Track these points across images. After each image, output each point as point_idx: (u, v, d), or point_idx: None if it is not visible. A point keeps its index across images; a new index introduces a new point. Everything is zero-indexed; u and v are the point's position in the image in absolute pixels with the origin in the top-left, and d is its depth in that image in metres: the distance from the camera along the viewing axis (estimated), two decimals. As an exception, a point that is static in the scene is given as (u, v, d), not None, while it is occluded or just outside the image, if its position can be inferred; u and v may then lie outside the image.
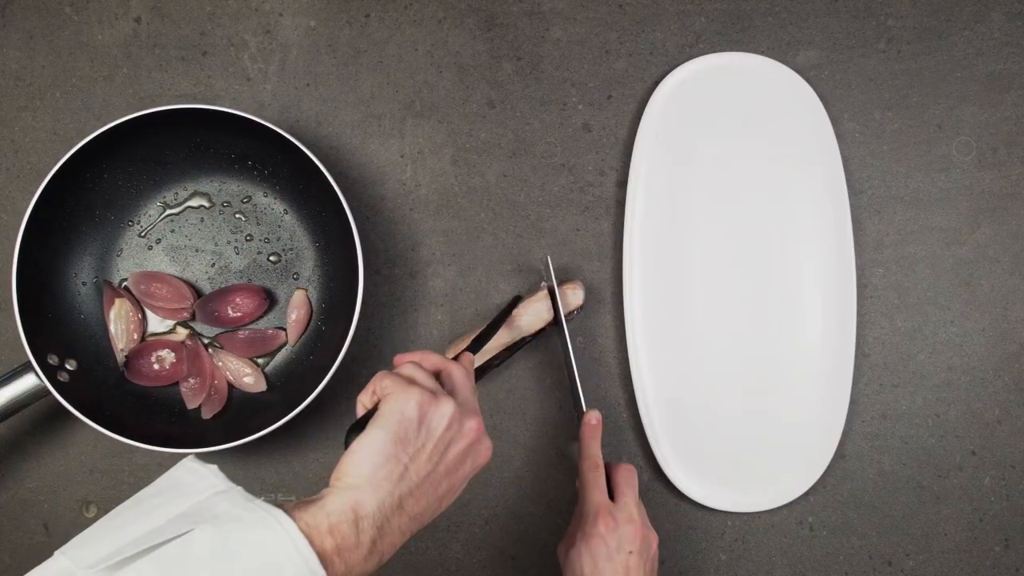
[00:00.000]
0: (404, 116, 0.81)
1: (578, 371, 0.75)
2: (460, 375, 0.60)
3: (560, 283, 0.77)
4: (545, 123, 0.81)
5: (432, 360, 0.61)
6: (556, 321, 0.77)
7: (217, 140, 0.76)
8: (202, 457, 0.78)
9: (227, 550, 0.46)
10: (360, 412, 0.58)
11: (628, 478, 0.70)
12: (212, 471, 0.52)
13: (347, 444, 0.55)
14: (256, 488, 0.79)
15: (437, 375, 0.60)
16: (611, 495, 0.69)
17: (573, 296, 0.77)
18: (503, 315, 0.74)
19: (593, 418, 0.72)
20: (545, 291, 0.77)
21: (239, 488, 0.51)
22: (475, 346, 0.70)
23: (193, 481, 0.51)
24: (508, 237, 0.81)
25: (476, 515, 0.79)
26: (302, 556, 0.47)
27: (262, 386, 0.77)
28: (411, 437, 0.54)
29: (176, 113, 0.72)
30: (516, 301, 0.76)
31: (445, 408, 0.55)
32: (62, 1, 0.82)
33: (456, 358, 0.64)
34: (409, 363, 0.59)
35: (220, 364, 0.78)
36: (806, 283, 0.78)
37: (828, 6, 0.82)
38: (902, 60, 0.81)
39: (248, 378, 0.77)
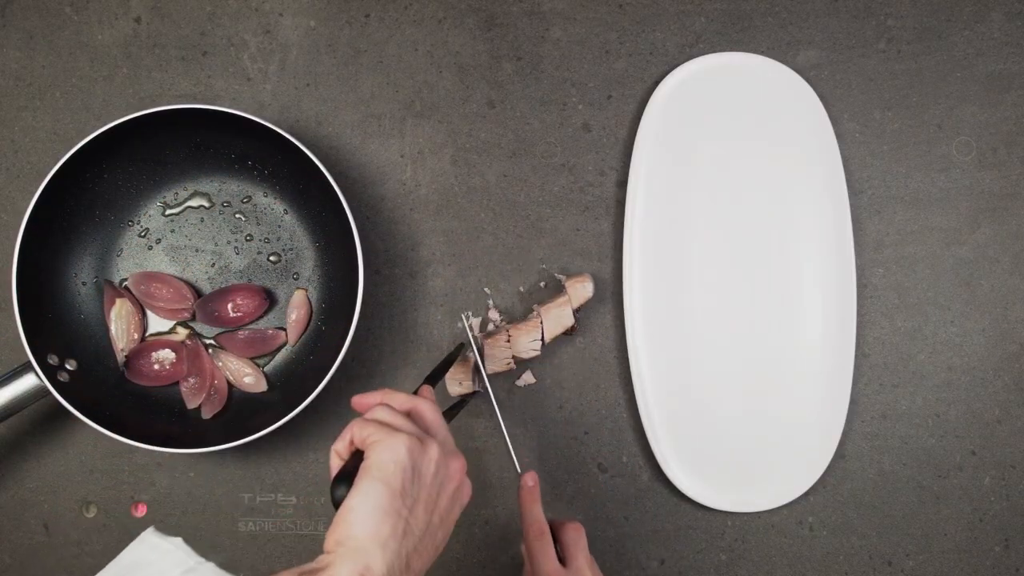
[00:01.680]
0: (404, 116, 0.81)
1: (507, 430, 0.74)
2: (431, 412, 0.58)
3: (569, 276, 0.77)
4: (545, 123, 0.81)
5: (399, 399, 0.58)
6: (480, 381, 0.76)
7: (217, 140, 0.77)
8: (203, 457, 0.78)
9: None
10: (335, 463, 0.55)
11: (576, 539, 0.65)
12: (177, 544, 0.48)
13: (336, 500, 0.51)
14: (256, 488, 0.79)
15: (407, 415, 0.57)
16: (560, 559, 0.65)
17: (583, 289, 0.76)
18: (451, 358, 0.73)
19: (529, 479, 0.67)
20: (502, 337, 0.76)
21: (210, 564, 0.47)
22: (431, 381, 0.68)
23: (157, 560, 0.48)
24: (508, 237, 0.81)
25: (476, 515, 0.79)
26: None
27: (262, 386, 0.77)
28: (408, 488, 0.51)
29: (176, 113, 0.72)
30: (460, 348, 0.75)
31: (432, 452, 0.53)
32: (62, 1, 0.82)
33: (416, 392, 0.62)
34: (380, 406, 0.56)
35: (220, 364, 0.78)
36: (806, 283, 0.78)
37: (828, 6, 0.82)
38: (902, 60, 0.81)
39: (248, 378, 0.77)
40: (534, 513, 0.66)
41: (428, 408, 0.58)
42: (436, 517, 0.53)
